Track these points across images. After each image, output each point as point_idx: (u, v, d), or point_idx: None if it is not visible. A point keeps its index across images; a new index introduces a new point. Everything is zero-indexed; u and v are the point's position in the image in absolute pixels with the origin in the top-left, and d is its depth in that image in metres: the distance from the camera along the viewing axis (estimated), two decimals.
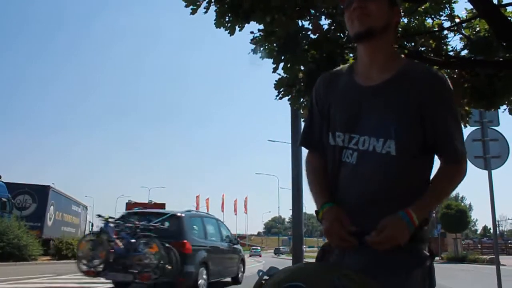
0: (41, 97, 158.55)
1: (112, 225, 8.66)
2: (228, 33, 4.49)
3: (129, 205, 48.43)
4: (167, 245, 8.23)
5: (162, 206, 48.44)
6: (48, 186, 24.69)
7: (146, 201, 49.99)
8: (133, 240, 8.29)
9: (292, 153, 10.07)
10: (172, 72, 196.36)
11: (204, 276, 9.41)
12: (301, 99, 5.13)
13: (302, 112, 5.64)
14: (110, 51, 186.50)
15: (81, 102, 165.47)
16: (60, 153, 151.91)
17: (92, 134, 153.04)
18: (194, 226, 9.94)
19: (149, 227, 8.57)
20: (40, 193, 23.81)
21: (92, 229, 38.53)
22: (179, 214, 9.53)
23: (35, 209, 23.47)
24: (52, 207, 24.70)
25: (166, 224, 9.10)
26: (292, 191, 10.05)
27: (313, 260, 1.65)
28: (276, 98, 4.98)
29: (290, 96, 5.06)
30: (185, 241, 8.82)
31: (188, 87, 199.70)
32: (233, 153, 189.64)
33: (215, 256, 10.32)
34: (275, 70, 4.68)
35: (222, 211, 64.02)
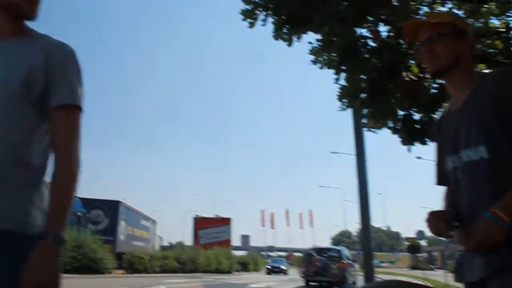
0: (110, 114, 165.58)
1: (313, 252, 21.09)
2: (287, 44, 4.49)
3: (197, 219, 49.63)
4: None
5: (227, 221, 49.25)
6: (119, 201, 25.56)
7: (212, 216, 50.91)
8: (326, 261, 19.92)
9: (356, 165, 9.89)
10: (232, 86, 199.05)
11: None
12: (365, 110, 5.04)
13: (366, 122, 5.53)
14: (161, 62, 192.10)
15: (146, 120, 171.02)
16: (128, 169, 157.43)
17: (158, 150, 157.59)
18: (347, 254, 22.21)
19: (330, 255, 20.56)
20: (112, 208, 24.67)
21: (161, 243, 39.71)
22: (339, 248, 22.56)
23: (107, 223, 24.37)
24: (123, 222, 25.55)
25: (336, 253, 21.00)
26: (358, 204, 9.85)
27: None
28: (339, 109, 4.93)
29: (353, 107, 5.00)
30: (344, 261, 20.40)
31: (251, 101, 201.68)
32: (296, 166, 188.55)
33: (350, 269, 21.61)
34: (337, 80, 4.63)
35: (287, 225, 63.66)
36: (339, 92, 4.92)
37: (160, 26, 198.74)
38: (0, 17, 1.62)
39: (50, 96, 1.52)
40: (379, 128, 5.32)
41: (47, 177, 1.52)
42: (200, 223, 46.95)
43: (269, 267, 42.42)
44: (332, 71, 4.76)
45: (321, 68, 4.81)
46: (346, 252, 22.22)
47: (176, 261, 28.70)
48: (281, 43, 4.50)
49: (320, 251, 21.17)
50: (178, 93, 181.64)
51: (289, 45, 4.50)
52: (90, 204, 23.31)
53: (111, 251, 21.74)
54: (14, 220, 1.41)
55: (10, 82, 1.48)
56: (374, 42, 4.57)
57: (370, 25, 4.58)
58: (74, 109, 1.54)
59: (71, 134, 1.52)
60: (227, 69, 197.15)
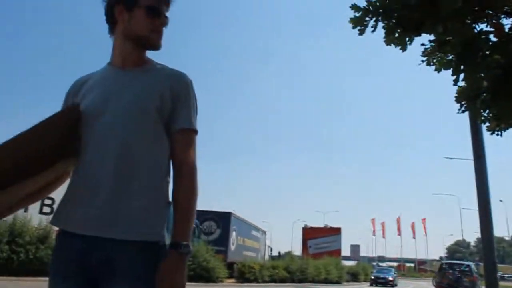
0: (216, 128, 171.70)
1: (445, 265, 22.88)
2: (400, 49, 4.32)
3: (306, 229, 49.63)
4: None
5: (337, 230, 48.62)
6: (230, 212, 26.26)
7: (322, 226, 50.60)
8: (458, 274, 20.90)
9: (475, 170, 9.29)
10: (339, 95, 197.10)
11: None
12: (487, 111, 4.69)
13: (488, 125, 5.12)
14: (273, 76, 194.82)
15: (257, 129, 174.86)
16: (237, 180, 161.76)
17: (268, 161, 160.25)
18: (476, 269, 22.61)
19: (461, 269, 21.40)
20: (223, 219, 25.37)
21: (271, 253, 40.09)
22: (468, 263, 23.04)
23: (219, 234, 25.13)
24: (234, 233, 26.21)
25: (466, 267, 21.69)
26: (479, 212, 9.22)
27: None
28: (458, 112, 4.64)
29: (473, 108, 4.68)
30: (474, 275, 21.19)
31: (359, 108, 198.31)
32: (407, 173, 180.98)
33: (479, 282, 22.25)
34: (455, 82, 4.35)
35: (399, 234, 61.34)
36: (457, 93, 4.63)
37: (268, 34, 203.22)
38: (129, 48, 1.77)
39: (173, 120, 1.71)
40: (504, 129, 4.92)
41: (170, 193, 1.69)
42: (309, 233, 46.85)
43: (373, 277, 37.75)
44: (448, 71, 4.50)
45: (437, 70, 4.55)
46: (474, 267, 23.20)
47: (286, 271, 28.89)
48: (390, 48, 4.37)
49: (450, 265, 22.89)
50: (285, 103, 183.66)
51: (403, 49, 4.32)
52: (203, 215, 24.25)
53: (222, 261, 22.43)
54: (157, 232, 1.59)
55: (147, 108, 1.66)
56: (496, 36, 4.24)
57: (491, 19, 4.26)
58: (191, 132, 1.74)
59: (190, 153, 1.70)
60: (335, 78, 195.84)
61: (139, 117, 1.65)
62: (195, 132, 1.75)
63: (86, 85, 1.80)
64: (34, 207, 12.99)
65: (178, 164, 1.68)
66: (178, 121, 1.71)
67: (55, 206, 13.97)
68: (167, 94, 1.70)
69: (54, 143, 1.67)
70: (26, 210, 12.70)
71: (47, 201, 13.43)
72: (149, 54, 1.85)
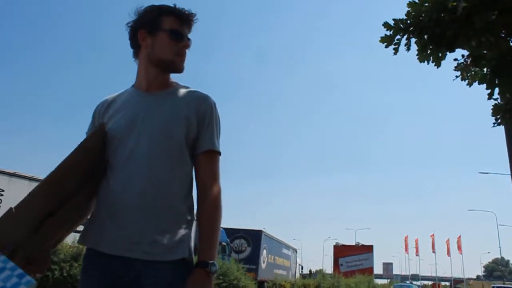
0: (247, 146, 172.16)
1: None
2: (435, 65, 4.27)
3: (336, 247, 48.94)
4: None
5: (369, 248, 47.80)
6: (261, 230, 26.13)
7: (353, 243, 49.84)
8: None
9: None
10: (367, 111, 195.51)
11: None
12: None
13: None
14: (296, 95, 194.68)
15: (288, 147, 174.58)
16: (267, 198, 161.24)
17: (296, 179, 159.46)
18: None
19: None
20: (254, 237, 25.23)
21: (302, 271, 39.65)
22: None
23: (250, 252, 25.03)
24: (265, 251, 26.05)
25: None
26: None
27: None
28: (494, 125, 4.55)
29: (508, 122, 4.59)
30: None
31: (391, 123, 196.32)
32: (441, 189, 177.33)
33: None
34: (490, 96, 4.28)
35: (433, 252, 59.77)
36: (493, 107, 4.55)
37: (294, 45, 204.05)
38: (153, 72, 1.81)
39: (197, 143, 1.76)
40: None
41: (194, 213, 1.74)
42: (341, 251, 46.18)
43: None
44: (482, 86, 4.44)
45: (469, 85, 4.49)
46: None
47: None
48: (420, 64, 4.33)
49: None
50: (316, 120, 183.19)
51: (438, 65, 4.27)
52: (233, 233, 24.26)
53: (253, 279, 22.27)
54: (182, 251, 1.63)
55: (173, 134, 1.70)
56: None
57: None
58: (216, 154, 1.78)
59: (214, 174, 1.75)
60: (367, 95, 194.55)
61: (164, 143, 1.68)
62: (218, 153, 1.79)
63: (113, 106, 1.84)
64: None
65: (201, 186, 1.73)
66: (202, 143, 1.75)
67: None
68: (193, 118, 1.74)
69: (88, 167, 1.71)
70: None
71: None
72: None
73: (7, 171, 11.30)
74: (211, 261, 1.58)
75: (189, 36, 1.84)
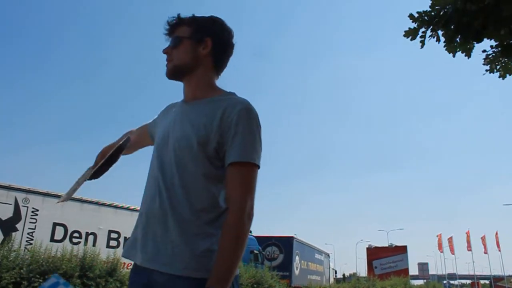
0: (278, 150, 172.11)
1: None
2: (465, 55, 4.17)
3: (369, 250, 48.32)
4: None
5: (403, 249, 47.03)
6: (292, 237, 26.03)
7: (386, 245, 49.09)
8: None
9: None
10: (395, 108, 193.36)
11: None
12: None
13: None
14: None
15: (319, 150, 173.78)
16: (298, 203, 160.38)
17: (326, 182, 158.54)
18: None
19: None
20: (286, 243, 25.15)
21: (336, 276, 39.29)
22: None
23: (282, 259, 24.92)
24: (297, 257, 25.92)
25: None
26: None
27: None
28: None
29: None
30: None
31: (419, 120, 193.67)
32: (476, 184, 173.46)
33: None
34: None
35: (469, 249, 58.37)
36: None
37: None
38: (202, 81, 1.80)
39: (227, 154, 1.60)
40: None
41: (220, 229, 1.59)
42: (374, 253, 45.55)
43: None
44: None
45: (502, 77, 4.35)
46: None
47: None
48: (445, 56, 4.23)
49: None
50: (345, 122, 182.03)
51: (468, 56, 4.17)
52: (265, 241, 24.23)
53: (287, 286, 22.16)
54: (204, 270, 1.51)
55: (189, 144, 1.62)
56: None
57: None
58: (246, 165, 1.58)
59: (242, 190, 1.55)
60: (398, 95, 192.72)
61: (182, 153, 1.63)
62: (250, 165, 1.59)
63: (167, 111, 1.91)
64: (102, 242, 13.40)
65: (227, 199, 1.59)
66: (230, 155, 1.58)
67: (121, 240, 14.20)
68: (214, 125, 1.61)
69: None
70: (94, 244, 13.11)
71: (113, 235, 13.82)
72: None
73: (40, 190, 11.56)
74: None
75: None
